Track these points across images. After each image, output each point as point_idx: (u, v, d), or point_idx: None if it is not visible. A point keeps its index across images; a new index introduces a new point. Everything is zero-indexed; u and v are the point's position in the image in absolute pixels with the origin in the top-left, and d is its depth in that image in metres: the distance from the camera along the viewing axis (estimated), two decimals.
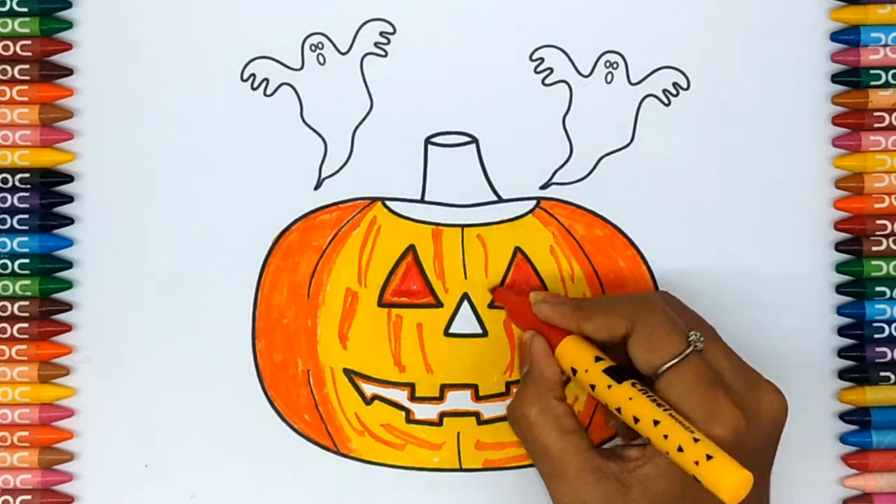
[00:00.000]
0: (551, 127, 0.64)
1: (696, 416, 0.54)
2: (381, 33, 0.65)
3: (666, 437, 0.53)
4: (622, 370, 0.56)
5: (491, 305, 0.64)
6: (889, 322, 0.64)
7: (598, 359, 0.57)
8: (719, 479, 0.51)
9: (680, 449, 0.52)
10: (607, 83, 0.65)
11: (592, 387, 0.56)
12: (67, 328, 0.64)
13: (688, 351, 0.55)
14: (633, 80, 0.64)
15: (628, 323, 0.56)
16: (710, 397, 0.54)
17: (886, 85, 0.64)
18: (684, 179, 0.64)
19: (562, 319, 0.59)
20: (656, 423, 0.53)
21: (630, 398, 0.54)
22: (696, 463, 0.51)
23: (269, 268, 0.64)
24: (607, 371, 0.56)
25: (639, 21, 0.65)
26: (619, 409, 0.55)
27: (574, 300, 0.60)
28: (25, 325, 0.63)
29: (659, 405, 0.54)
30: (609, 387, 0.55)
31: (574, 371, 0.57)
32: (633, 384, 0.55)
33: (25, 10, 0.64)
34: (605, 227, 0.64)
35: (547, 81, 0.65)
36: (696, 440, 0.52)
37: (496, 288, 0.63)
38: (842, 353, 0.64)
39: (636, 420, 0.54)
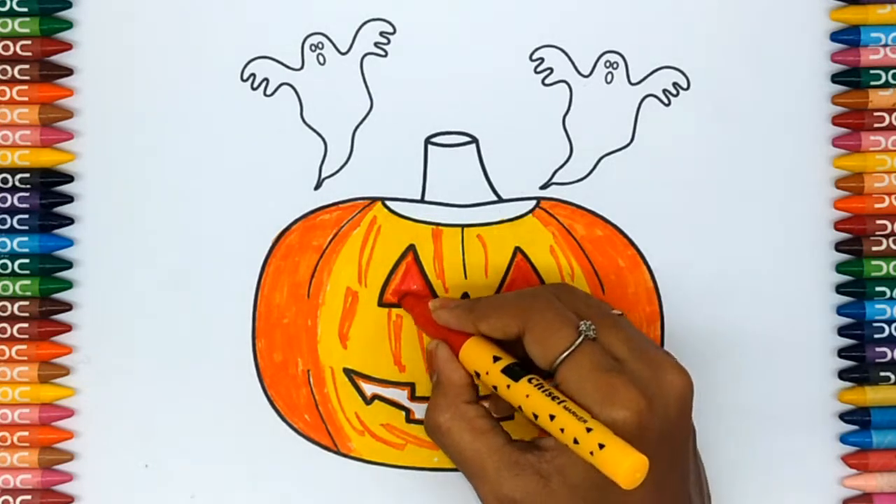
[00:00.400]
0: (551, 127, 0.64)
1: (595, 402, 0.53)
2: (381, 33, 0.65)
3: (563, 430, 0.52)
4: (521, 368, 0.56)
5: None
6: (889, 322, 0.64)
7: (496, 358, 0.56)
8: (613, 465, 0.50)
9: (576, 441, 0.52)
10: (607, 83, 0.65)
11: (495, 388, 0.56)
12: (67, 328, 0.64)
13: (579, 340, 0.55)
14: (633, 80, 0.64)
15: (519, 321, 0.56)
16: (607, 382, 0.53)
17: (886, 85, 0.64)
18: (684, 179, 0.64)
19: (459, 323, 0.59)
20: (552, 417, 0.53)
21: (527, 395, 0.54)
22: (591, 453, 0.51)
23: (269, 268, 0.64)
24: (505, 370, 0.56)
25: (639, 21, 0.65)
26: (520, 408, 0.55)
27: (469, 302, 0.60)
28: (25, 325, 0.63)
29: (554, 398, 0.53)
30: (508, 386, 0.55)
31: (477, 375, 0.57)
32: (530, 380, 0.55)
33: (25, 10, 0.64)
34: (605, 227, 0.64)
35: (547, 81, 0.65)
36: (588, 430, 0.51)
37: (403, 296, 0.63)
38: (842, 353, 0.64)
39: (535, 416, 0.54)
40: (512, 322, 0.57)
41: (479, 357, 0.57)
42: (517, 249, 0.64)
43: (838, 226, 0.64)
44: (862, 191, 0.64)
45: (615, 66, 0.65)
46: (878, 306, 0.64)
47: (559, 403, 0.53)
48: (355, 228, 0.64)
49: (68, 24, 0.64)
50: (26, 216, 0.64)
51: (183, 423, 0.64)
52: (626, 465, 0.50)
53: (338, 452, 0.64)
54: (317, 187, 0.64)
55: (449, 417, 0.57)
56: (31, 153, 0.64)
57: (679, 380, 0.55)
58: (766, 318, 0.64)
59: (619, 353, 0.55)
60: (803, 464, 0.64)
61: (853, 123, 0.64)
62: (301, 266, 0.64)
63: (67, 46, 0.64)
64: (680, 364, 0.56)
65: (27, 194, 0.64)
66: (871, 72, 0.64)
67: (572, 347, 0.55)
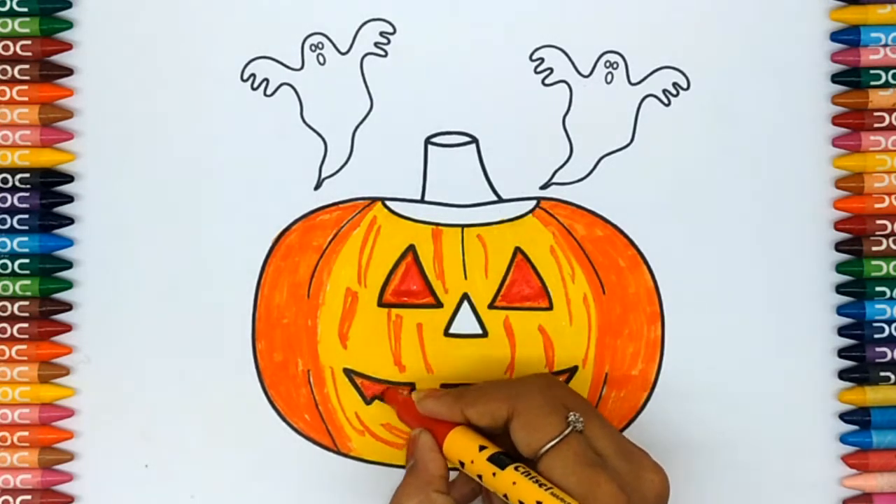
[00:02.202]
0: (551, 127, 0.64)
1: (577, 496, 0.54)
2: (381, 33, 0.65)
3: None
4: (507, 456, 0.56)
5: (491, 306, 0.64)
6: (889, 322, 0.64)
7: (482, 448, 0.57)
8: None
9: None
10: (607, 83, 0.65)
11: (480, 477, 0.56)
12: (67, 328, 0.64)
13: (567, 431, 0.55)
14: (633, 80, 0.64)
15: (508, 406, 0.57)
16: (590, 477, 0.54)
17: (886, 85, 0.64)
18: (684, 179, 0.64)
19: (445, 411, 0.59)
20: None
21: (514, 482, 0.55)
22: None
23: (269, 268, 0.64)
24: (491, 459, 0.56)
25: (639, 21, 0.65)
26: (506, 496, 0.55)
27: (456, 390, 0.60)
28: (25, 325, 0.63)
29: (541, 485, 0.54)
30: (494, 474, 0.56)
31: (462, 464, 0.57)
32: (517, 468, 0.55)
33: (25, 10, 0.64)
34: (605, 227, 0.64)
35: (547, 81, 0.65)
36: None
37: (386, 389, 0.63)
38: (842, 353, 0.64)
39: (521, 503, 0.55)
40: (501, 406, 0.57)
41: (465, 446, 0.57)
42: (517, 249, 0.64)
43: (838, 226, 0.64)
44: (862, 191, 0.64)
45: (615, 66, 0.65)
46: (878, 306, 0.64)
47: (546, 490, 0.54)
48: (355, 228, 0.64)
49: (68, 24, 0.64)
50: (26, 216, 0.64)
51: (183, 423, 0.64)
52: None
53: (338, 452, 0.64)
54: (317, 187, 0.64)
55: (416, 503, 0.57)
56: (31, 153, 0.64)
57: (657, 478, 0.56)
58: (766, 318, 0.64)
59: (602, 448, 0.56)
60: (803, 464, 0.64)
61: (853, 123, 0.64)
62: (301, 266, 0.64)
63: (67, 46, 0.64)
64: (657, 463, 0.57)
65: (27, 194, 0.64)
66: (871, 72, 0.64)
67: (560, 437, 0.55)
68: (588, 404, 0.59)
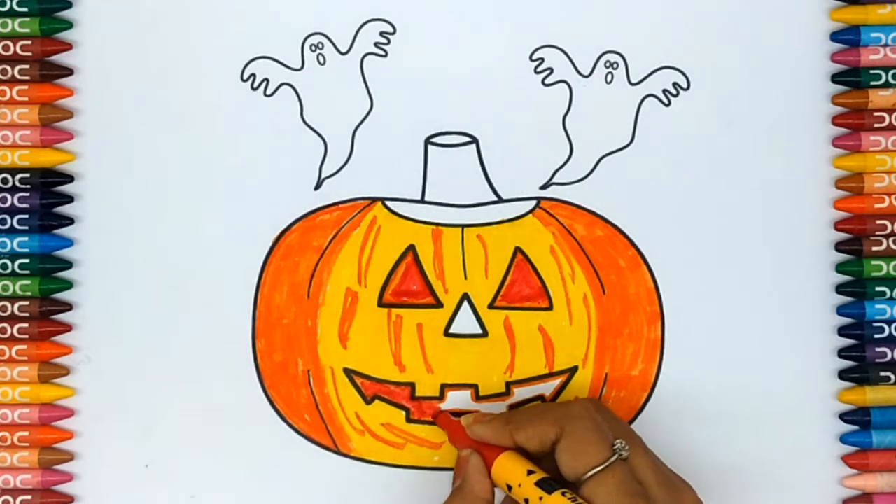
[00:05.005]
0: (551, 127, 0.64)
1: None
2: (381, 33, 0.65)
3: None
4: (555, 482, 0.57)
5: (491, 306, 0.64)
6: (889, 322, 0.64)
7: (530, 472, 0.57)
8: None
9: None
10: (607, 83, 0.65)
11: (526, 501, 0.57)
12: (67, 328, 0.64)
13: (612, 459, 0.56)
14: (633, 80, 0.64)
15: (557, 429, 0.57)
16: None
17: (886, 85, 0.64)
18: (684, 179, 0.64)
19: (495, 435, 0.59)
20: None
21: None
22: None
23: (269, 268, 0.64)
24: (539, 483, 0.57)
25: (639, 21, 0.65)
26: None
27: (504, 414, 0.61)
28: (25, 325, 0.63)
29: None
30: (541, 498, 0.56)
31: (509, 487, 0.58)
32: (564, 493, 0.56)
33: (25, 10, 0.64)
34: (605, 227, 0.64)
35: (547, 81, 0.65)
36: None
37: (438, 414, 0.63)
38: (842, 353, 0.64)
39: None
40: (550, 429, 0.57)
41: (513, 471, 0.58)
42: (517, 249, 0.64)
43: (838, 226, 0.64)
44: (862, 191, 0.64)
45: (615, 66, 0.65)
46: (878, 306, 0.64)
47: None
48: (355, 228, 0.64)
49: (68, 24, 0.64)
50: (26, 216, 0.64)
51: (183, 423, 0.64)
52: None
53: (338, 452, 0.64)
54: (317, 187, 0.64)
55: None
56: (31, 153, 0.64)
57: None
58: (766, 318, 0.64)
59: (645, 477, 0.57)
60: (803, 464, 0.64)
61: (853, 123, 0.64)
62: (301, 266, 0.64)
63: (67, 46, 0.64)
64: (698, 496, 0.58)
65: (27, 194, 0.64)
66: (871, 72, 0.64)
67: (605, 465, 0.56)
68: (631, 431, 0.60)
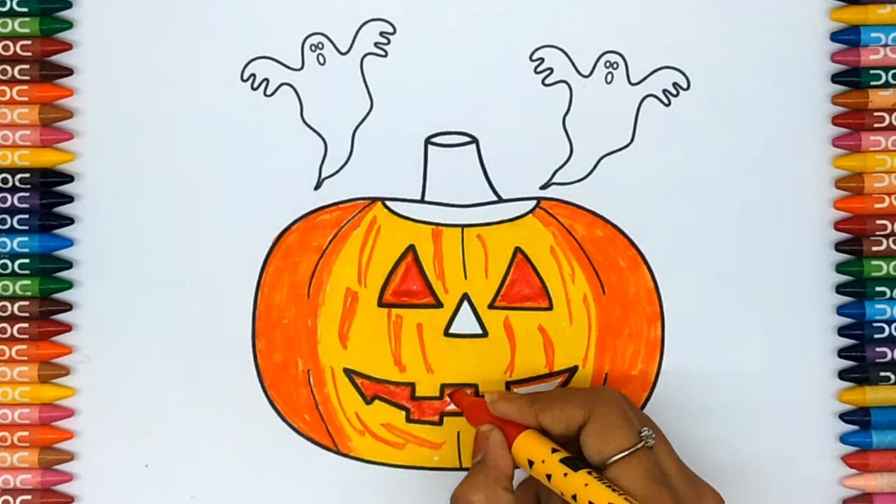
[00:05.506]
0: (551, 127, 0.64)
1: None
2: (381, 33, 0.65)
3: None
4: (578, 461, 0.57)
5: (491, 306, 0.64)
6: (889, 322, 0.64)
7: (554, 450, 0.57)
8: None
9: None
10: (607, 83, 0.65)
11: (549, 477, 0.57)
12: (67, 328, 0.64)
13: (639, 445, 0.56)
14: (633, 80, 0.64)
15: (585, 412, 0.57)
16: (656, 494, 0.55)
17: (886, 85, 0.64)
18: (684, 179, 0.64)
19: (519, 414, 0.59)
20: None
21: (586, 484, 0.55)
22: None
23: (269, 268, 0.64)
24: (564, 461, 0.57)
25: (639, 21, 0.65)
26: (574, 497, 0.56)
27: (529, 395, 0.61)
28: (25, 325, 0.63)
29: (614, 490, 0.55)
30: (565, 474, 0.56)
31: (531, 463, 0.58)
32: (589, 472, 0.56)
33: (25, 10, 0.64)
34: (605, 227, 0.64)
35: (547, 81, 0.65)
36: None
37: (454, 392, 0.63)
38: (842, 353, 0.64)
39: None
40: (578, 412, 0.57)
41: (536, 448, 0.58)
42: (517, 249, 0.64)
43: (838, 226, 0.64)
44: (862, 191, 0.64)
45: (615, 66, 0.65)
46: (878, 306, 0.64)
47: (620, 495, 0.54)
48: (355, 228, 0.64)
49: (68, 24, 0.64)
50: (26, 216, 0.64)
51: (183, 423, 0.64)
52: None
53: (338, 452, 0.64)
54: (317, 187, 0.64)
55: (482, 498, 0.57)
56: (31, 153, 0.64)
57: None
58: (766, 318, 0.64)
59: (667, 468, 0.57)
60: (803, 464, 0.64)
61: (853, 123, 0.64)
62: (301, 266, 0.64)
63: (67, 46, 0.64)
64: (717, 491, 0.58)
65: (27, 194, 0.64)
66: (871, 72, 0.64)
67: (631, 450, 0.56)
68: (655, 425, 0.60)
